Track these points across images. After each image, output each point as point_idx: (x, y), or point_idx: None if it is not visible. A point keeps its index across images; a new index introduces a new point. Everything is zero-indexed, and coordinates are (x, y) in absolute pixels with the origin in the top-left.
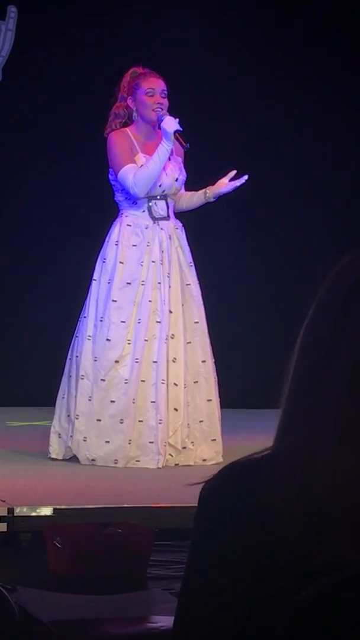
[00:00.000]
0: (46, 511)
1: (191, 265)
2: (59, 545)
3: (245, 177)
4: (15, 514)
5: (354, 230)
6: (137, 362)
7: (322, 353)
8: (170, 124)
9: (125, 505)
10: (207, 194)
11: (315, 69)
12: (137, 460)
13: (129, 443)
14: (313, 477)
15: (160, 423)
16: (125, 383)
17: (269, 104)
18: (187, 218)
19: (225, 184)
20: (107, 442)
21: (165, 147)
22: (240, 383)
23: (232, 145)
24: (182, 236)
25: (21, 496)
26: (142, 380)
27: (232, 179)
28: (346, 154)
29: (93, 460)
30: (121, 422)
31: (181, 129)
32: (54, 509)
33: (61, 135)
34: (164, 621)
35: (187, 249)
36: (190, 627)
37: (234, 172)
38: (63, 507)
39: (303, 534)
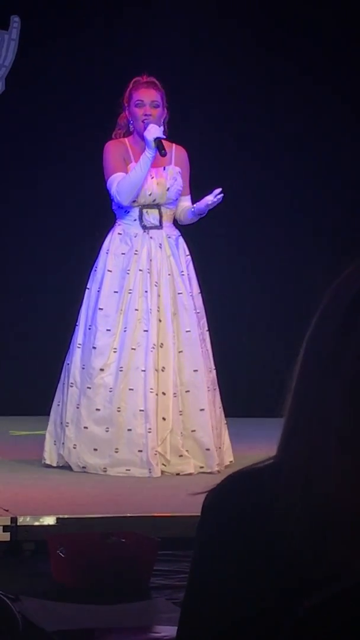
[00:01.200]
0: (49, 520)
1: (183, 275)
2: (63, 555)
3: (218, 190)
4: (18, 524)
5: (357, 238)
6: (121, 370)
7: (325, 362)
8: (152, 131)
9: (129, 515)
10: (192, 209)
11: (316, 70)
12: (127, 469)
13: (116, 452)
14: (316, 487)
15: (149, 432)
16: (110, 391)
17: (269, 108)
18: (190, 228)
19: (207, 200)
20: (95, 449)
21: (147, 155)
22: (242, 392)
23: (232, 153)
24: (176, 245)
25: (24, 505)
26: (131, 389)
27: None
28: (349, 159)
29: (84, 467)
30: (107, 431)
31: (163, 137)
32: (57, 519)
33: (63, 144)
34: (167, 631)
35: (181, 258)
36: (194, 636)
37: (219, 190)
38: (66, 516)
39: (306, 543)
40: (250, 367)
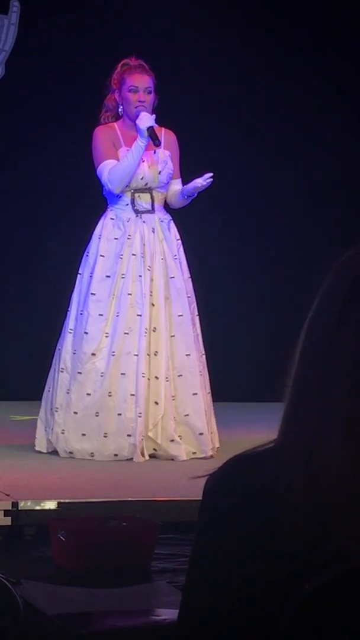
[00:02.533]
0: (50, 505)
1: (176, 259)
2: (63, 539)
3: (209, 174)
4: (19, 508)
5: (355, 225)
6: (113, 355)
7: (326, 345)
8: (144, 120)
9: (129, 499)
10: (182, 191)
11: (317, 68)
12: (114, 454)
13: (105, 436)
14: (317, 469)
15: (140, 416)
16: (101, 376)
17: (270, 103)
18: (183, 213)
19: (196, 182)
20: (84, 434)
21: (139, 143)
22: (236, 377)
23: (232, 142)
24: (168, 229)
25: (25, 490)
26: (122, 373)
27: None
28: (348, 151)
29: (71, 453)
30: (97, 415)
31: (155, 125)
32: (58, 503)
33: (63, 128)
34: (168, 614)
35: (173, 242)
36: (195, 619)
37: (210, 174)
38: (67, 501)
39: (307, 525)
40: (245, 352)
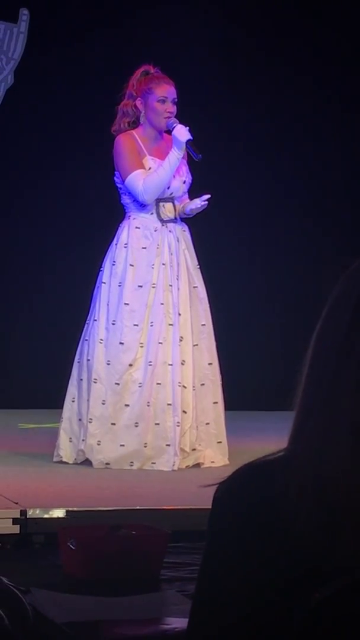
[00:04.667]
0: (59, 513)
1: (198, 268)
2: (73, 547)
3: (207, 196)
4: (28, 516)
5: None
6: (150, 365)
7: (336, 353)
8: (182, 132)
9: (138, 508)
10: (181, 209)
11: (319, 72)
12: (152, 463)
13: (145, 446)
14: (327, 478)
15: (178, 425)
16: (140, 386)
17: (274, 108)
18: (194, 221)
19: (195, 203)
20: (122, 445)
21: (176, 155)
22: (246, 385)
23: (237, 149)
24: (189, 238)
25: (34, 498)
26: (158, 383)
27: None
28: (353, 157)
29: (107, 464)
30: (136, 426)
31: (192, 138)
32: (67, 511)
33: (73, 137)
34: (178, 623)
35: (193, 251)
36: (204, 628)
37: (207, 196)
38: (76, 509)
39: (317, 534)
40: (254, 361)
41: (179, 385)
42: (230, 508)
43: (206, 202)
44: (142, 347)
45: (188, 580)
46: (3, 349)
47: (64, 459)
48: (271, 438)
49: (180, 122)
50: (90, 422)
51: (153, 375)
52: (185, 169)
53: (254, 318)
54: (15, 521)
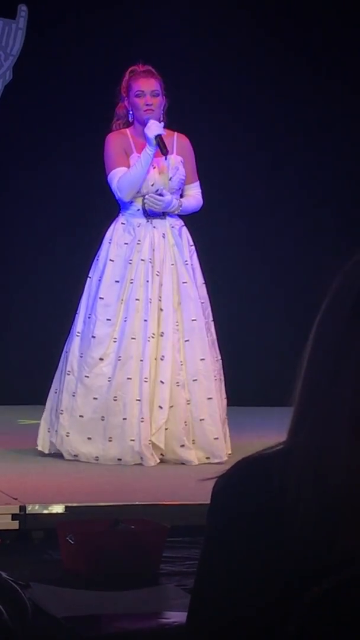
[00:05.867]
0: (58, 509)
1: (187, 264)
2: (72, 542)
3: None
4: (27, 512)
5: None
6: (119, 359)
7: (335, 347)
8: (152, 128)
9: (137, 503)
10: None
11: (321, 67)
12: (118, 459)
13: (110, 441)
14: (326, 471)
15: (142, 421)
16: (109, 381)
17: (276, 104)
18: (196, 219)
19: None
20: (89, 438)
21: (147, 152)
22: (248, 381)
23: (236, 139)
24: (180, 235)
25: (33, 494)
26: (129, 378)
27: None
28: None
29: (75, 456)
30: (102, 420)
31: (163, 133)
32: (66, 507)
33: (71, 133)
34: (177, 617)
35: (184, 247)
36: (203, 622)
37: (159, 191)
38: (75, 504)
39: (316, 528)
40: (256, 357)
41: (146, 381)
42: (229, 502)
43: (160, 197)
44: (115, 341)
45: (187, 575)
46: (2, 344)
47: (39, 448)
48: (274, 434)
49: (166, 115)
50: (61, 414)
51: (123, 370)
52: (172, 164)
53: (255, 313)
54: (14, 517)
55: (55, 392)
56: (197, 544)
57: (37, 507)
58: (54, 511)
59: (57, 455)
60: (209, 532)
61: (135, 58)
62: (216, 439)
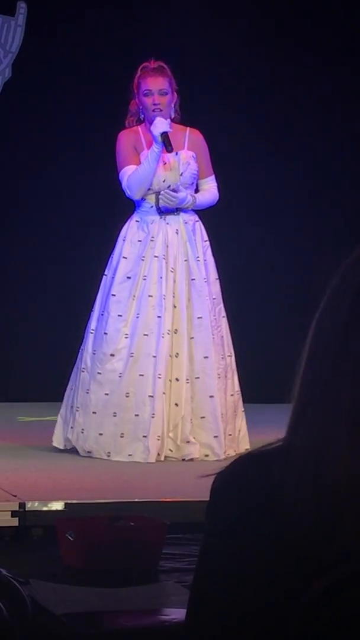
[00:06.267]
0: (57, 506)
1: (198, 260)
2: (71, 539)
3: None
4: (26, 509)
5: None
6: (132, 356)
7: (334, 344)
8: (158, 126)
9: (137, 500)
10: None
11: (322, 62)
12: (129, 454)
13: (122, 436)
14: (326, 468)
15: (153, 417)
16: (120, 377)
17: (285, 87)
18: (208, 213)
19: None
20: (101, 434)
21: (154, 150)
22: (268, 378)
23: (250, 135)
24: (193, 231)
25: (32, 491)
26: (141, 375)
27: None
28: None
29: (89, 452)
30: (114, 415)
31: (169, 131)
32: (65, 504)
33: (72, 130)
34: (176, 613)
35: (197, 243)
36: (202, 619)
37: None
38: (74, 501)
39: (316, 525)
40: (271, 353)
41: (159, 377)
42: (228, 498)
43: (174, 193)
44: (126, 337)
45: (186, 571)
46: (2, 342)
47: (54, 444)
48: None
49: (175, 109)
50: (77, 411)
51: (135, 367)
52: (183, 160)
53: (274, 309)
54: (14, 514)
55: (71, 389)
56: (197, 540)
57: (36, 504)
58: (54, 508)
59: (61, 451)
60: (208, 529)
61: (138, 53)
62: (215, 437)
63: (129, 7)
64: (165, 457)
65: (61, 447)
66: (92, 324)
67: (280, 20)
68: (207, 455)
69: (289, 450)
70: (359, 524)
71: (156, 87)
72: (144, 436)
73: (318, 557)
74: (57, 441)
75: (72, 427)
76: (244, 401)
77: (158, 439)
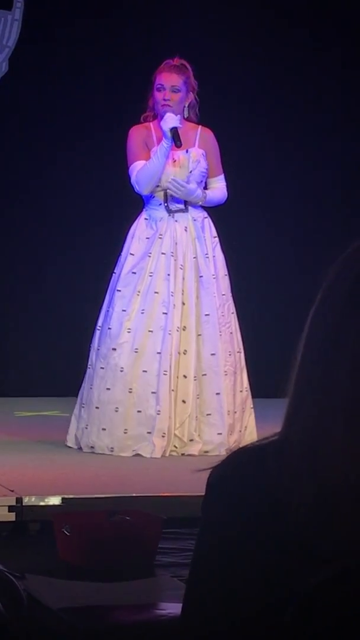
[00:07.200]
0: (55, 501)
1: (207, 257)
2: (68, 533)
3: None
4: (23, 504)
5: None
6: (135, 352)
7: (330, 337)
8: (168, 121)
9: (134, 495)
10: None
11: (324, 59)
12: (134, 450)
13: (125, 432)
14: (321, 461)
15: (158, 413)
16: (121, 371)
17: (288, 92)
18: (217, 209)
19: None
20: (104, 429)
21: (163, 145)
22: (272, 373)
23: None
24: (202, 228)
25: (30, 486)
26: (144, 371)
27: None
28: None
29: (92, 447)
30: (116, 411)
31: (179, 126)
32: (63, 499)
33: (66, 126)
34: (172, 608)
35: (206, 240)
36: (199, 613)
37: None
38: (71, 496)
39: (311, 518)
40: (281, 347)
41: (165, 374)
42: (224, 492)
43: (177, 185)
44: (129, 332)
45: (183, 566)
46: (0, 336)
47: (68, 444)
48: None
49: (190, 109)
50: (83, 407)
51: (138, 363)
52: (193, 157)
53: (285, 306)
54: (10, 509)
55: (83, 387)
56: (193, 535)
57: (33, 499)
58: (51, 503)
59: (58, 447)
60: (204, 523)
61: (135, 48)
62: (219, 434)
63: (128, 2)
64: (169, 453)
65: (74, 446)
66: (100, 320)
67: (283, 14)
68: (206, 452)
69: (285, 444)
70: (354, 517)
71: (169, 83)
72: (148, 432)
73: (314, 552)
74: (70, 441)
75: (79, 425)
76: (253, 396)
77: (163, 436)
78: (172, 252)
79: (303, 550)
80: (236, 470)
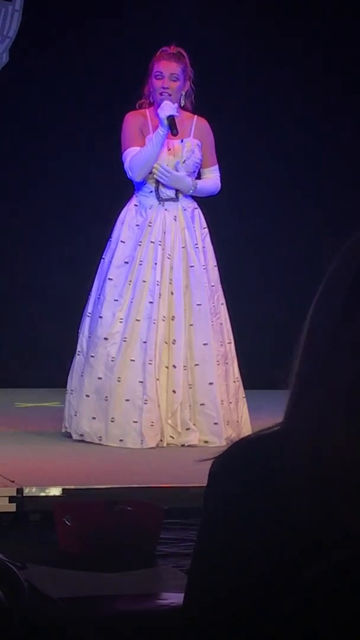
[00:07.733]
0: (55, 491)
1: (197, 247)
2: (69, 523)
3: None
4: (24, 494)
5: None
6: (124, 341)
7: (333, 328)
8: (165, 109)
9: (134, 485)
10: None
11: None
12: (120, 440)
13: (112, 421)
14: (323, 451)
15: (145, 403)
16: (112, 361)
17: (281, 92)
18: (207, 200)
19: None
20: (94, 418)
21: (159, 132)
22: (261, 364)
23: (250, 124)
24: (192, 218)
25: (30, 477)
26: (132, 360)
27: None
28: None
29: (81, 435)
30: (106, 400)
31: (177, 114)
32: (63, 489)
33: (67, 116)
34: (174, 598)
35: (196, 230)
36: (200, 603)
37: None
38: (72, 487)
39: (313, 508)
40: (271, 338)
41: (150, 364)
42: (225, 482)
43: (163, 171)
44: (121, 322)
45: (184, 556)
46: (1, 328)
47: (63, 430)
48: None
49: (187, 97)
50: (71, 394)
51: (127, 352)
52: (188, 147)
53: (280, 295)
54: (11, 499)
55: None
56: (194, 525)
57: (34, 489)
58: (51, 494)
59: (59, 438)
60: (206, 513)
61: (137, 39)
62: (215, 423)
63: None
64: (167, 444)
65: (64, 432)
66: (89, 307)
67: (281, 13)
68: (206, 442)
69: (287, 434)
70: (356, 507)
71: (168, 71)
72: (134, 422)
73: (315, 541)
74: (64, 427)
75: (69, 411)
76: (245, 387)
77: (152, 425)
78: (159, 241)
79: (304, 539)
80: (238, 460)
